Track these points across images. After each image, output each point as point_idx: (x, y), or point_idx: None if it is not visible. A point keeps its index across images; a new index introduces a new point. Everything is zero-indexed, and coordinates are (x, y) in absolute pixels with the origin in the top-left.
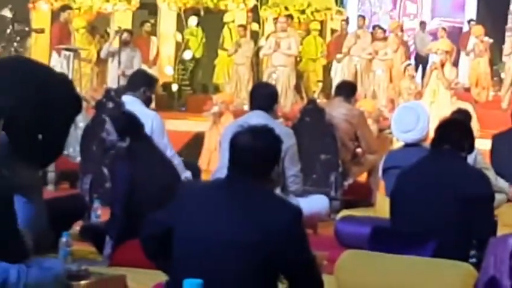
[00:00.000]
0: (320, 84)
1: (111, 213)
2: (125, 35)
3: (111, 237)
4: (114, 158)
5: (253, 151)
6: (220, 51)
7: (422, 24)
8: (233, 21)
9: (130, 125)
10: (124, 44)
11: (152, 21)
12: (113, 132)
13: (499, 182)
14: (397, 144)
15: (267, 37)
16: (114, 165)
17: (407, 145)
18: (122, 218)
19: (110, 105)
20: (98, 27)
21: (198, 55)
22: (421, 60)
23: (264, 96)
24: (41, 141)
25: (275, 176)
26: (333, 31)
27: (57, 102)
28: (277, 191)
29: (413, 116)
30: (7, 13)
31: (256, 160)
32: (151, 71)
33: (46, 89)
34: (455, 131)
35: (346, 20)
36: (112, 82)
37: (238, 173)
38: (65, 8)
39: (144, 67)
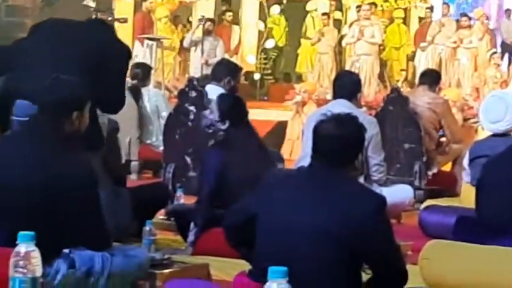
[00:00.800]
0: (403, 72)
1: (198, 200)
2: (208, 24)
3: (196, 224)
4: (208, 142)
5: (337, 139)
6: (303, 40)
7: (508, 11)
8: (316, 10)
9: (233, 108)
10: (207, 33)
11: (233, 9)
12: (216, 112)
13: None
14: (483, 133)
15: (350, 25)
16: (205, 152)
17: (494, 135)
18: (207, 205)
19: (193, 94)
20: (180, 16)
21: (280, 44)
22: (507, 49)
23: (347, 85)
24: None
25: (358, 165)
26: (420, 19)
27: (112, 62)
28: (361, 180)
29: (502, 106)
30: (90, 3)
31: (339, 148)
32: (233, 60)
33: (103, 54)
34: None
35: (431, 8)
36: (195, 71)
37: (322, 162)
38: None
39: (226, 56)
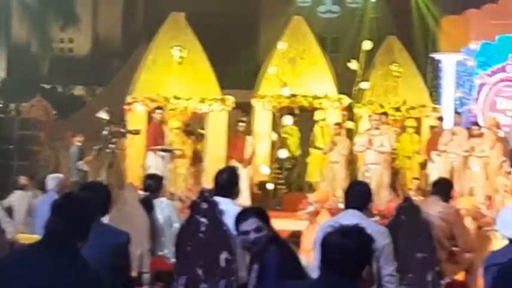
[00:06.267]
0: (416, 181)
1: None
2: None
3: None
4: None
5: (343, 250)
6: (311, 150)
7: None
8: (324, 119)
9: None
10: None
11: (246, 119)
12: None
13: None
14: (497, 242)
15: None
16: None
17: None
18: None
19: (204, 205)
20: (192, 126)
21: (295, 154)
22: None
23: (358, 195)
24: None
25: (366, 275)
26: (431, 128)
27: None
28: None
29: None
30: (103, 115)
31: (345, 259)
32: (247, 170)
33: None
34: None
35: (440, 118)
36: (207, 182)
37: (329, 273)
38: (158, 108)
39: (239, 166)
